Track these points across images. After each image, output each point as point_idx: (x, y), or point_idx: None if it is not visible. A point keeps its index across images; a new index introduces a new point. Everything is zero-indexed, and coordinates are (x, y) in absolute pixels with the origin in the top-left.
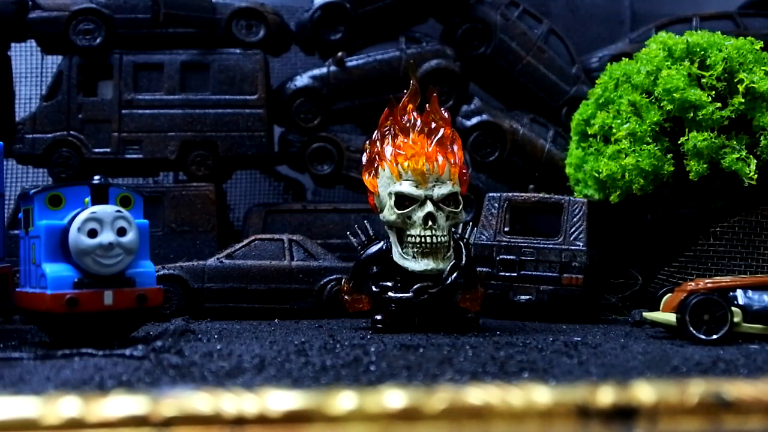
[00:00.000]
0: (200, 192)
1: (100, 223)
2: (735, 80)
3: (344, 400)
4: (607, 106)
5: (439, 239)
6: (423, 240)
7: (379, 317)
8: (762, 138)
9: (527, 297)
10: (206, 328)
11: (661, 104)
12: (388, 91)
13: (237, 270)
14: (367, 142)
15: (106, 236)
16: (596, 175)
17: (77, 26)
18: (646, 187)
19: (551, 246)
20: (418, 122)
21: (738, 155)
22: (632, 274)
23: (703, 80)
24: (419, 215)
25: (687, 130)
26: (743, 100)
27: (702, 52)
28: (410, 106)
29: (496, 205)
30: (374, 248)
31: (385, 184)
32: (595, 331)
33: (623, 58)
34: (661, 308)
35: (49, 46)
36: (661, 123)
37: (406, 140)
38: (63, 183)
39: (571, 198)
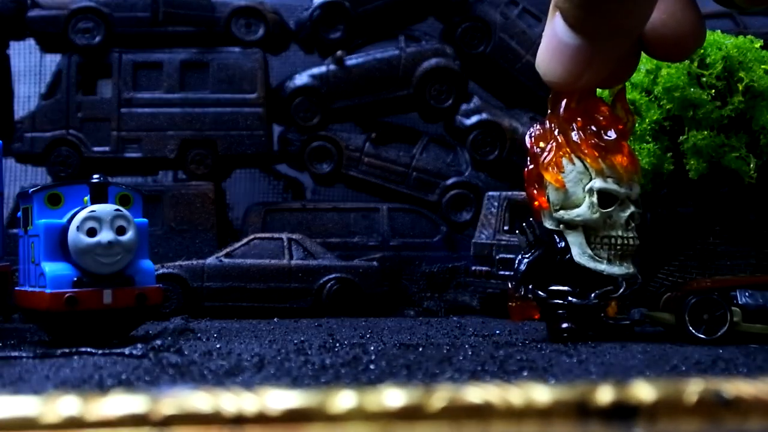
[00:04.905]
0: (199, 191)
1: (99, 222)
2: (735, 79)
3: (344, 399)
4: None
5: (636, 241)
6: (625, 242)
7: (565, 325)
8: (762, 136)
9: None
10: (205, 327)
11: (661, 103)
12: (387, 90)
13: (236, 269)
14: (532, 134)
15: (106, 235)
16: None
17: (76, 25)
18: (645, 186)
19: None
20: (613, 116)
21: (738, 154)
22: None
23: (703, 79)
24: (622, 215)
25: (687, 128)
26: (743, 99)
27: (702, 51)
28: (596, 101)
29: (496, 204)
30: (547, 249)
31: (576, 179)
32: None
33: None
34: (660, 307)
35: (48, 44)
36: (660, 122)
37: (606, 135)
38: (62, 182)
39: None
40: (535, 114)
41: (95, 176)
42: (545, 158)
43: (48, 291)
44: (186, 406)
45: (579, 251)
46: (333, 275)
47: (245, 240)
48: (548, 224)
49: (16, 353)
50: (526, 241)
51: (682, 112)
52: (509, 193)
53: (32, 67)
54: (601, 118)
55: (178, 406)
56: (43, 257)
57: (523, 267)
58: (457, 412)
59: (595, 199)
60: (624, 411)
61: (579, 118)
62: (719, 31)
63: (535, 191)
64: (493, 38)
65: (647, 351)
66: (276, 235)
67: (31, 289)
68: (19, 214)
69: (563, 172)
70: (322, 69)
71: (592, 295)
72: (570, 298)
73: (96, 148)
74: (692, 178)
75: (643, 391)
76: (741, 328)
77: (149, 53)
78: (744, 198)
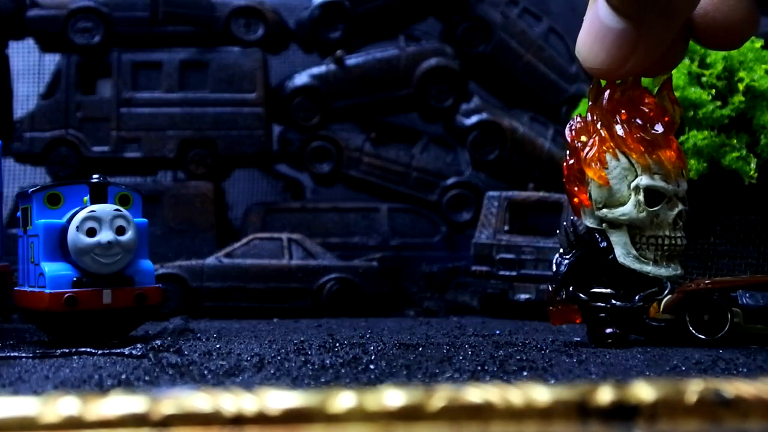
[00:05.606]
0: (199, 191)
1: (98, 222)
2: (735, 79)
3: (344, 399)
4: None
5: (684, 241)
6: (672, 242)
7: (609, 330)
8: (762, 136)
9: (527, 296)
10: (205, 327)
11: None
12: (387, 90)
13: (236, 269)
14: (572, 127)
15: (105, 235)
16: None
17: (76, 24)
18: None
19: (551, 245)
20: (660, 108)
21: (738, 154)
22: None
23: (703, 79)
24: (670, 214)
25: (687, 128)
26: (743, 99)
27: (702, 51)
28: (641, 87)
29: (496, 203)
30: (589, 249)
31: (621, 175)
32: None
33: None
34: (661, 308)
35: (47, 44)
36: None
37: (653, 128)
38: (62, 182)
39: None
40: (535, 114)
41: (95, 176)
42: (587, 153)
43: (47, 291)
44: (186, 406)
45: (623, 252)
46: (333, 275)
47: (245, 240)
48: (589, 223)
49: (15, 353)
50: (566, 241)
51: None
52: (509, 193)
53: (31, 66)
54: (648, 110)
55: (177, 406)
56: (43, 257)
57: (563, 268)
58: (457, 412)
59: (641, 197)
60: (624, 411)
61: (623, 110)
62: None
63: (575, 188)
64: (493, 38)
65: (647, 351)
66: (276, 235)
67: (30, 289)
68: (19, 214)
69: (607, 168)
70: (322, 69)
71: (637, 297)
72: (613, 301)
73: (95, 148)
74: (692, 178)
75: (643, 391)
76: (741, 328)
77: (149, 53)
78: (744, 198)
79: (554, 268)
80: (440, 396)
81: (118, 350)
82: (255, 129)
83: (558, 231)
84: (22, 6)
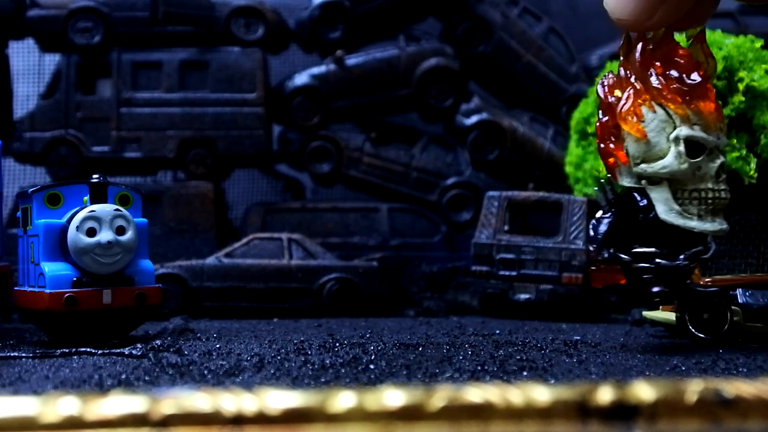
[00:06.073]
0: (199, 191)
1: (98, 222)
2: (735, 79)
3: (344, 399)
4: None
5: (728, 194)
6: (717, 195)
7: (656, 289)
8: (762, 136)
9: (527, 296)
10: (205, 327)
11: None
12: (387, 90)
13: (236, 269)
14: (605, 84)
15: (105, 235)
16: (596, 173)
17: (76, 24)
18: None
19: (551, 245)
20: (694, 60)
21: (738, 154)
22: None
23: None
24: (712, 166)
25: None
26: (743, 99)
27: None
28: (673, 41)
29: (496, 203)
30: (628, 208)
31: (659, 128)
32: (594, 330)
33: None
34: (660, 307)
35: (47, 44)
36: None
37: (689, 79)
38: (61, 182)
39: (571, 197)
40: (535, 114)
41: (95, 176)
42: (623, 107)
43: (47, 291)
44: (186, 406)
45: (665, 208)
46: (333, 275)
47: (245, 240)
48: (626, 182)
49: (15, 353)
50: (604, 200)
51: None
52: (509, 192)
53: (31, 66)
54: (682, 61)
55: (177, 406)
56: (43, 257)
57: (603, 227)
58: (457, 412)
59: (682, 147)
60: (624, 411)
61: (657, 63)
62: (719, 30)
63: (611, 145)
64: (493, 38)
65: (647, 351)
66: (276, 235)
67: (30, 289)
68: (19, 214)
69: (644, 121)
70: (322, 69)
71: (682, 256)
72: (657, 260)
73: (95, 148)
74: None
75: (643, 391)
76: (741, 327)
77: (149, 53)
78: (744, 198)
79: (592, 228)
80: (440, 396)
81: (118, 350)
82: (255, 129)
83: (596, 190)
84: (22, 6)
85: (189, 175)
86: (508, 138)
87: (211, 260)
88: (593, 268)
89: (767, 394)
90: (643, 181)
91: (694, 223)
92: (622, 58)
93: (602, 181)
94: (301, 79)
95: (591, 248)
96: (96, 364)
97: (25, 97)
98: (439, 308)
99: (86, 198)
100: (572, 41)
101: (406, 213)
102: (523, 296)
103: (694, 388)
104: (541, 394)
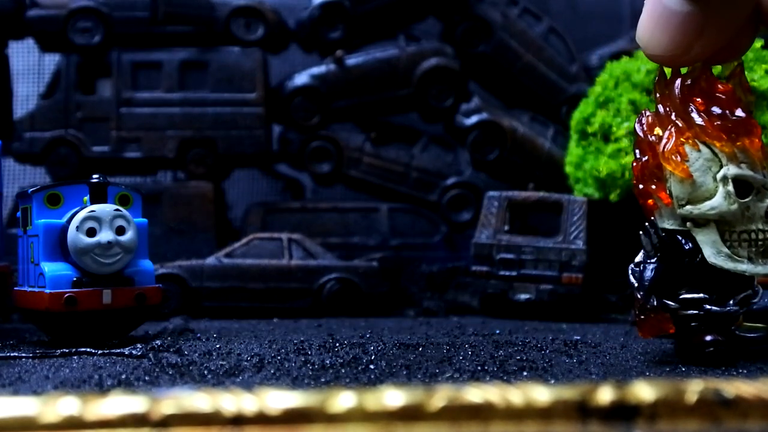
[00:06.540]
0: (199, 191)
1: (98, 222)
2: None
3: (344, 399)
4: (607, 104)
5: None
6: (767, 236)
7: (710, 338)
8: (762, 136)
9: (527, 296)
10: (205, 327)
11: None
12: (387, 90)
13: (236, 269)
14: (643, 122)
15: (105, 235)
16: (596, 173)
17: (75, 24)
18: None
19: (551, 245)
20: (735, 95)
21: None
22: None
23: None
24: (761, 206)
25: None
26: None
27: None
28: (712, 76)
29: (496, 203)
30: (673, 252)
31: (704, 167)
32: (594, 330)
33: (623, 57)
34: None
35: (47, 44)
36: None
37: (733, 115)
38: (61, 182)
39: (571, 197)
40: (535, 114)
41: (95, 176)
42: (665, 146)
43: (47, 291)
44: (186, 406)
45: (713, 251)
46: (333, 275)
47: (245, 240)
48: (668, 224)
49: (15, 353)
50: (650, 244)
51: None
52: (509, 193)
53: (31, 66)
54: (724, 97)
55: (177, 406)
56: (43, 257)
57: (649, 273)
58: (457, 412)
59: (731, 187)
60: (624, 411)
61: (698, 99)
62: None
63: (652, 186)
64: (493, 38)
65: (647, 351)
66: (276, 235)
67: (30, 289)
68: (19, 214)
69: (688, 161)
70: (322, 69)
71: (731, 301)
72: (707, 306)
73: (95, 148)
74: None
75: (643, 391)
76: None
77: (148, 53)
78: None
79: (634, 274)
80: (440, 396)
81: (118, 350)
82: (255, 129)
83: (641, 233)
84: (22, 6)
85: (189, 175)
86: (508, 138)
87: (211, 260)
88: (642, 316)
89: (767, 394)
90: (688, 224)
91: (745, 267)
92: (658, 95)
93: (646, 224)
94: (301, 79)
95: (638, 295)
96: (96, 364)
97: (25, 97)
98: (439, 308)
99: (86, 198)
100: (572, 41)
101: (406, 213)
102: (523, 296)
103: (694, 388)
104: (541, 394)
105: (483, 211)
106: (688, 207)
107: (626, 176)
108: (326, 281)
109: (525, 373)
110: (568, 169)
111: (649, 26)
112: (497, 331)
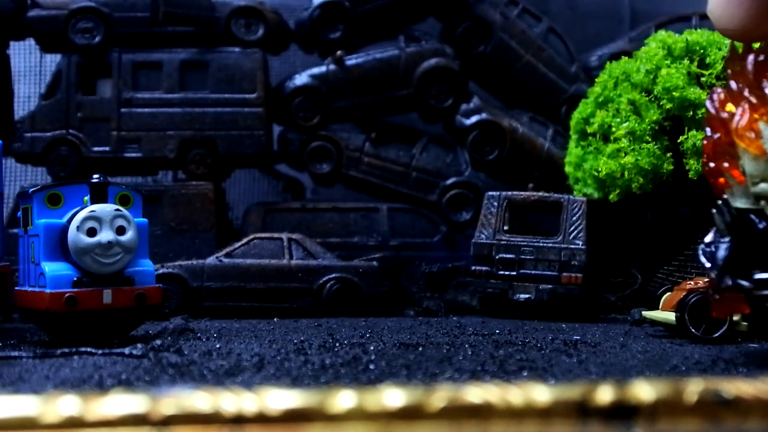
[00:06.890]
0: (199, 191)
1: (99, 222)
2: None
3: (344, 399)
4: (607, 104)
5: None
6: None
7: None
8: None
9: (526, 296)
10: (205, 327)
11: (661, 103)
12: (387, 90)
13: (236, 269)
14: (714, 99)
15: (106, 235)
16: (595, 173)
17: (76, 24)
18: (645, 186)
19: (550, 245)
20: None
21: None
22: (632, 273)
23: (703, 79)
24: None
25: (686, 128)
26: None
27: (701, 51)
28: None
29: (496, 203)
30: (745, 232)
31: None
32: (594, 330)
33: (623, 57)
34: (660, 307)
35: (48, 44)
36: (660, 122)
37: None
38: (62, 182)
39: (571, 197)
40: (534, 114)
41: (95, 176)
42: (738, 123)
43: (48, 291)
44: (186, 406)
45: None
46: (333, 275)
47: (245, 240)
48: (740, 203)
49: (16, 353)
50: (722, 222)
51: (681, 112)
52: (509, 192)
53: (32, 67)
54: None
55: (178, 406)
56: (43, 257)
57: (722, 252)
58: (457, 412)
59: None
60: (624, 411)
61: (744, 70)
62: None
63: (725, 164)
64: (493, 38)
65: (647, 351)
66: (276, 235)
67: (30, 289)
68: (19, 214)
69: (762, 138)
70: (322, 69)
71: None
72: None
73: (96, 148)
74: (692, 178)
75: (643, 391)
76: (741, 327)
77: (149, 53)
78: None
79: (705, 254)
80: (440, 396)
81: (119, 350)
82: (255, 129)
83: (713, 211)
84: (22, 6)
85: (189, 175)
86: (507, 138)
87: (211, 260)
88: (716, 296)
89: (767, 394)
90: (762, 202)
91: None
92: (730, 71)
93: (719, 203)
94: (301, 79)
95: (712, 275)
96: (96, 364)
97: (26, 97)
98: (439, 308)
99: (86, 198)
100: (572, 41)
101: (406, 213)
102: (523, 296)
103: (694, 388)
104: (541, 394)
105: (483, 211)
106: (763, 185)
107: (626, 176)
108: (326, 281)
109: (525, 373)
110: (568, 169)
111: (721, 0)
112: (497, 331)
